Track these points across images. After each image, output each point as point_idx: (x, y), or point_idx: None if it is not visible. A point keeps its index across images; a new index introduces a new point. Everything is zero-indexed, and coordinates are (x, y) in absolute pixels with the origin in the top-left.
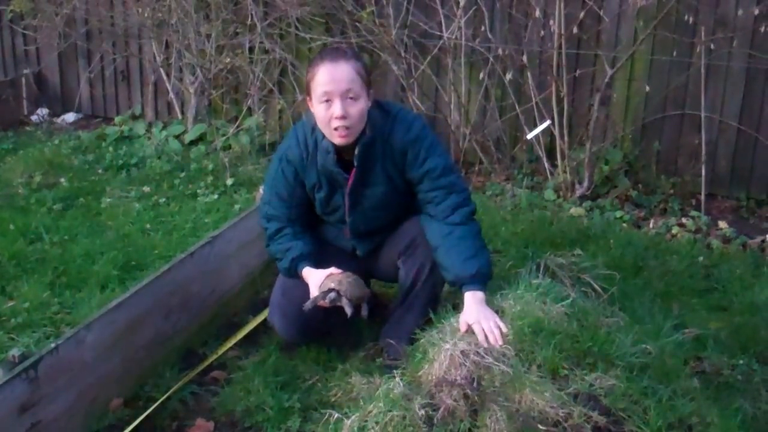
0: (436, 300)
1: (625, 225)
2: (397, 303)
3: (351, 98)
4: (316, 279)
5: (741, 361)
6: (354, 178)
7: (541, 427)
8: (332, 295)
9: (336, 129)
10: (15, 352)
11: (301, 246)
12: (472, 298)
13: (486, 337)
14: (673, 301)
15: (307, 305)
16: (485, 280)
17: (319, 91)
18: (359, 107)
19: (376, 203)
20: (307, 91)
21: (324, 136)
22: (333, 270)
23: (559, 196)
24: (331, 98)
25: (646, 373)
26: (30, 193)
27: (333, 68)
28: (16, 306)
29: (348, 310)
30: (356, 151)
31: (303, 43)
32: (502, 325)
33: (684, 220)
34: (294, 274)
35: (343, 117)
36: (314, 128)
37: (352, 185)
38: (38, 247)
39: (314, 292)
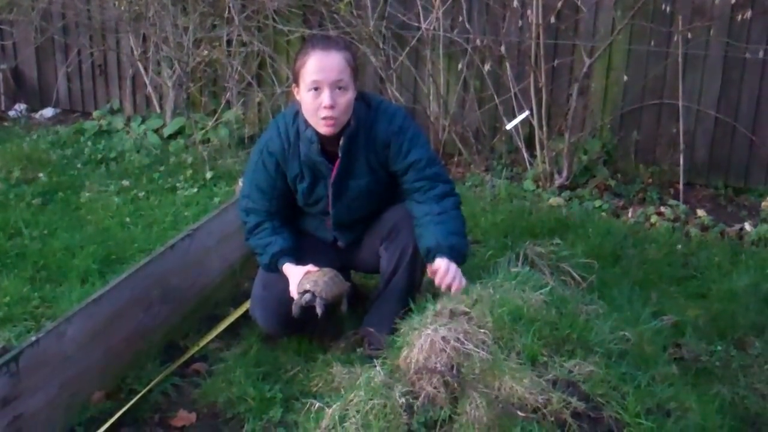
0: (416, 285)
1: (603, 214)
2: (378, 291)
3: (340, 88)
4: (295, 277)
5: (719, 348)
6: (338, 169)
7: (520, 413)
8: (307, 296)
9: (324, 118)
10: None
11: (281, 242)
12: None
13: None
14: (651, 288)
15: (295, 311)
16: (459, 260)
17: (309, 80)
18: (347, 98)
19: (360, 194)
20: (295, 78)
21: (306, 126)
22: (310, 267)
23: (538, 186)
24: (320, 87)
25: (624, 359)
26: (8, 189)
27: (324, 57)
28: None
29: (319, 312)
30: (341, 142)
31: (281, 36)
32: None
33: (662, 208)
34: (274, 269)
35: (332, 107)
36: (295, 118)
37: (336, 176)
38: (18, 242)
39: (293, 290)
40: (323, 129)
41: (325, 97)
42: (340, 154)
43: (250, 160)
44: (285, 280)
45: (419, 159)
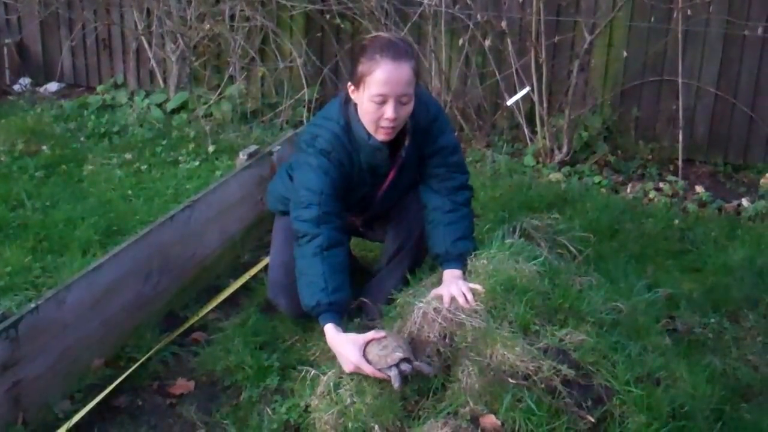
0: (419, 264)
1: (603, 190)
2: (379, 265)
3: (403, 102)
4: (350, 346)
5: (713, 320)
6: (397, 169)
7: (511, 380)
8: (407, 366)
9: (383, 127)
10: None
11: (333, 289)
12: (450, 275)
13: (452, 300)
14: (647, 262)
15: (399, 386)
16: (466, 261)
17: (375, 91)
18: (409, 109)
19: (405, 187)
20: (356, 80)
21: (368, 134)
22: (374, 334)
23: (538, 162)
24: (386, 100)
25: (616, 329)
26: (12, 161)
27: (394, 69)
28: None
29: (428, 370)
30: (406, 143)
31: (284, 11)
32: (475, 286)
33: (661, 184)
34: (310, 313)
35: (394, 119)
36: (348, 124)
37: (395, 176)
38: (20, 213)
39: (369, 368)
40: (381, 136)
41: (389, 110)
42: (403, 155)
43: (305, 163)
44: None
45: (447, 145)
